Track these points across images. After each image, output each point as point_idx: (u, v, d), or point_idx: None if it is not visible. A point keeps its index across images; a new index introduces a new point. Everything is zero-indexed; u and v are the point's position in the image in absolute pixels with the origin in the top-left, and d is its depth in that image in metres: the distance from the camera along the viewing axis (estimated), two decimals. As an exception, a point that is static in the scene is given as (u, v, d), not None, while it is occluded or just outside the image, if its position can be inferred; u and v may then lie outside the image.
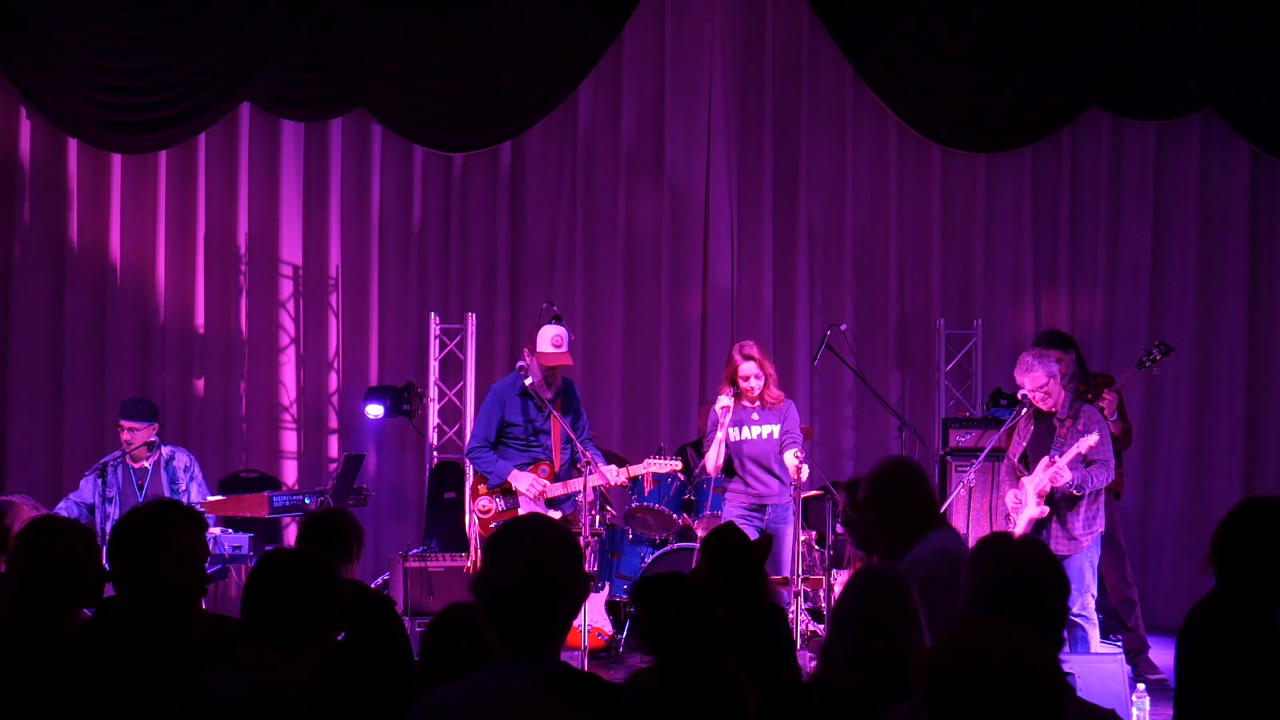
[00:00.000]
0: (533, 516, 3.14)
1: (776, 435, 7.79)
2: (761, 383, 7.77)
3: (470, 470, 9.64)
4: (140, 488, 8.42)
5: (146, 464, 8.41)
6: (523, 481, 7.91)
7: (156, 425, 8.46)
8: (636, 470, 8.07)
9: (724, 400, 7.76)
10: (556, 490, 7.98)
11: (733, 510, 7.81)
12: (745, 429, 7.78)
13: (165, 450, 8.45)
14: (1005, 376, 10.32)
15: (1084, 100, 10.64)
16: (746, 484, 7.82)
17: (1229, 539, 3.62)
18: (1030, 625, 2.95)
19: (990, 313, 10.72)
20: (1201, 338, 10.75)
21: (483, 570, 2.94)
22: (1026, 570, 3.21)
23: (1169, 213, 10.78)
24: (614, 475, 7.85)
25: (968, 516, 8.60)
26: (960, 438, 9.14)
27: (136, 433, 8.35)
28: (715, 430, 7.82)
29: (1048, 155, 10.83)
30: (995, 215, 10.84)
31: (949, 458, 9.33)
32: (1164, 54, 10.42)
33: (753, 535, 7.57)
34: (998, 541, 3.44)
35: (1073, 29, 10.40)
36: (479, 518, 8.03)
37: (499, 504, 8.03)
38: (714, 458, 7.84)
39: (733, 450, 7.81)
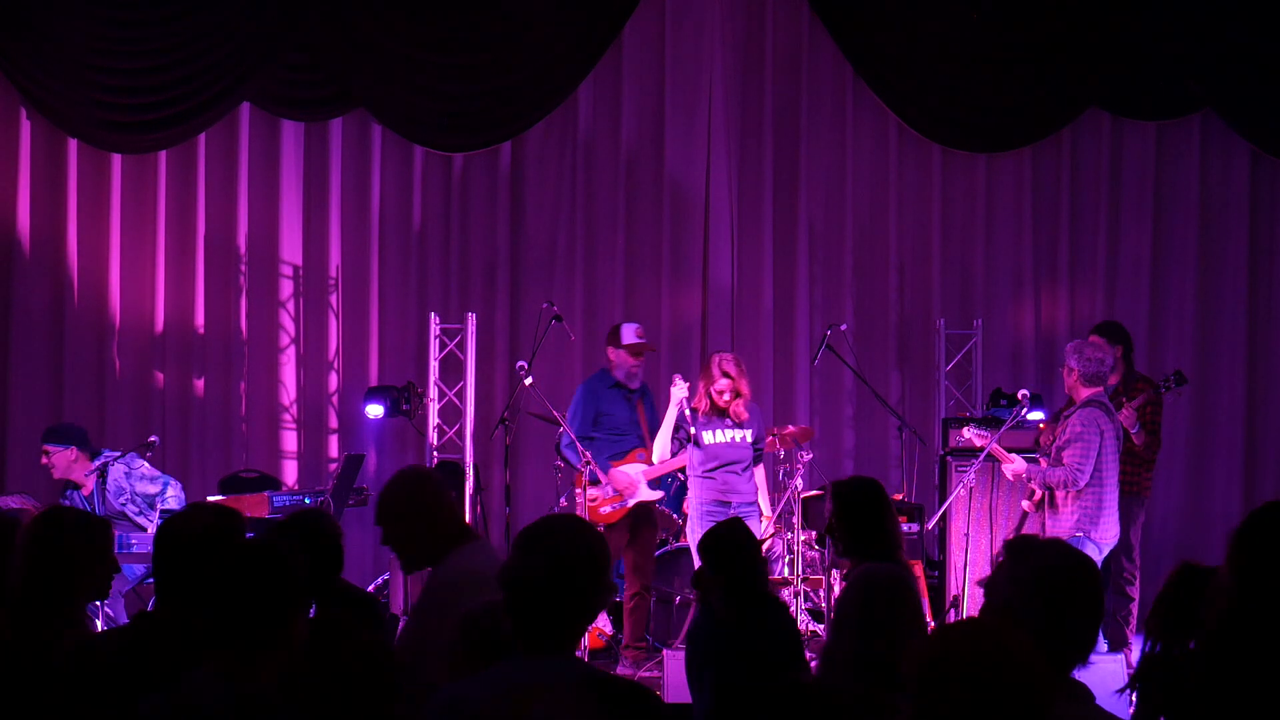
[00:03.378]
0: (568, 517, 3.16)
1: (749, 439, 7.91)
2: (731, 398, 7.84)
3: (471, 472, 9.73)
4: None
5: (91, 489, 8.22)
6: (623, 478, 8.48)
7: (74, 450, 8.12)
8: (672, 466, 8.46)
9: (679, 392, 7.85)
10: (657, 471, 8.44)
11: (697, 504, 7.85)
12: (718, 432, 7.85)
13: (97, 464, 8.20)
14: (1005, 376, 10.34)
15: (1084, 100, 10.63)
16: (713, 481, 7.87)
17: (1250, 546, 3.58)
18: (1085, 621, 2.96)
19: (990, 313, 10.71)
20: (1201, 337, 10.75)
21: (510, 563, 2.95)
22: (1078, 567, 3.16)
23: (1169, 213, 10.78)
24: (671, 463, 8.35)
25: (968, 516, 8.61)
26: (960, 438, 9.13)
27: (53, 456, 8.09)
28: (672, 415, 7.92)
29: (1048, 155, 10.82)
30: (995, 215, 10.83)
31: (949, 458, 9.33)
32: (1164, 54, 10.41)
33: None
34: (1033, 540, 3.40)
35: (1073, 29, 10.39)
36: (589, 505, 8.47)
37: (606, 491, 8.47)
38: (662, 446, 7.98)
39: (701, 452, 7.87)
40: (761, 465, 8.06)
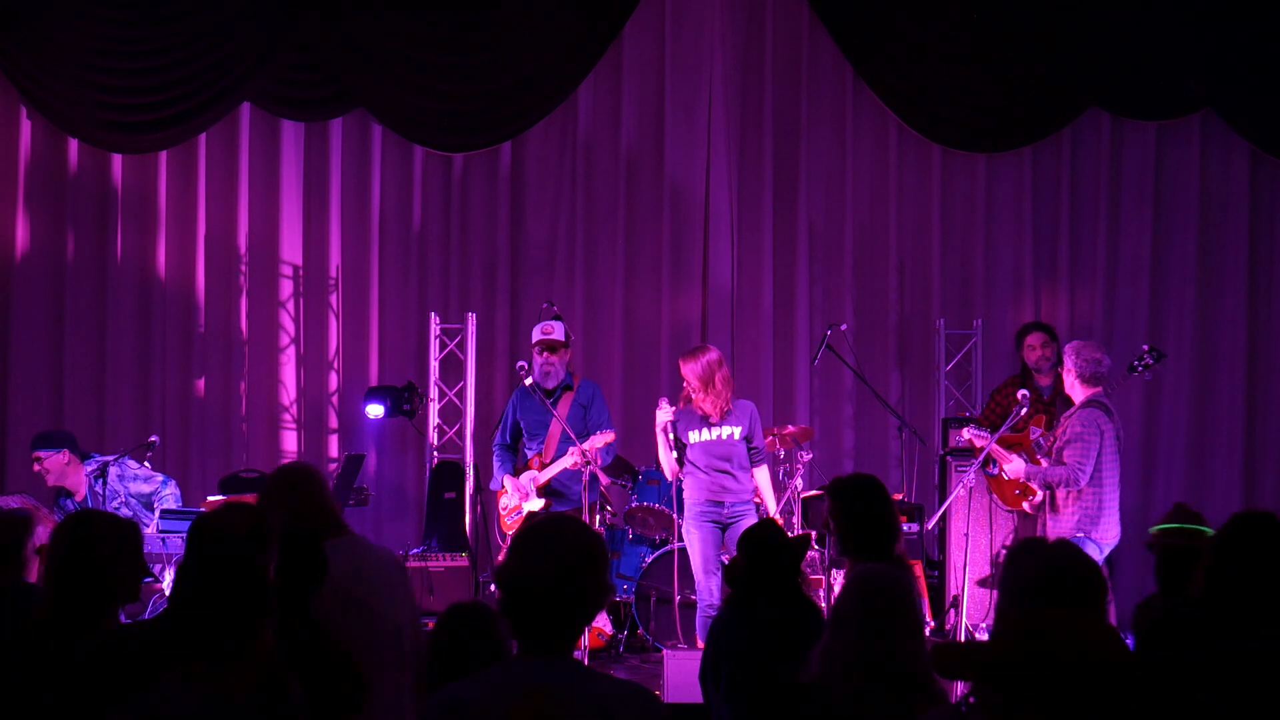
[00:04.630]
0: (566, 517, 3.15)
1: (737, 436, 7.75)
2: (699, 395, 7.70)
3: (471, 472, 9.76)
4: None
5: (84, 495, 8.17)
6: (509, 484, 8.47)
7: (65, 452, 8.09)
8: (586, 445, 8.16)
9: (663, 416, 7.76)
10: (543, 476, 8.35)
11: (690, 505, 7.75)
12: (704, 431, 7.73)
13: (90, 466, 8.18)
14: (1005, 376, 10.34)
15: (1084, 100, 10.63)
16: (704, 481, 7.72)
17: (1229, 557, 3.59)
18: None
19: (990, 313, 10.71)
20: (1201, 337, 10.75)
21: (509, 563, 2.95)
22: (1065, 568, 3.16)
23: (1169, 212, 10.78)
24: (574, 456, 8.10)
25: (968, 516, 8.61)
26: (960, 438, 9.14)
27: (46, 460, 8.05)
28: (661, 440, 7.81)
29: (1048, 155, 10.82)
30: (995, 215, 10.83)
31: (949, 458, 9.34)
32: (1164, 54, 10.42)
33: (712, 531, 7.58)
34: (1034, 543, 3.41)
35: (1073, 29, 10.39)
36: (500, 515, 8.53)
37: (513, 500, 8.44)
38: (668, 465, 7.85)
39: (690, 452, 7.76)
40: (765, 466, 7.93)
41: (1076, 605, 2.96)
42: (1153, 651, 3.57)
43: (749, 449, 7.78)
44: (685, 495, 7.82)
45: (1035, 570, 3.04)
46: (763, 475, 7.89)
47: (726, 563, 7.41)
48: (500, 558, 8.44)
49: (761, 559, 4.89)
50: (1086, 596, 3.01)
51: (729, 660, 4.82)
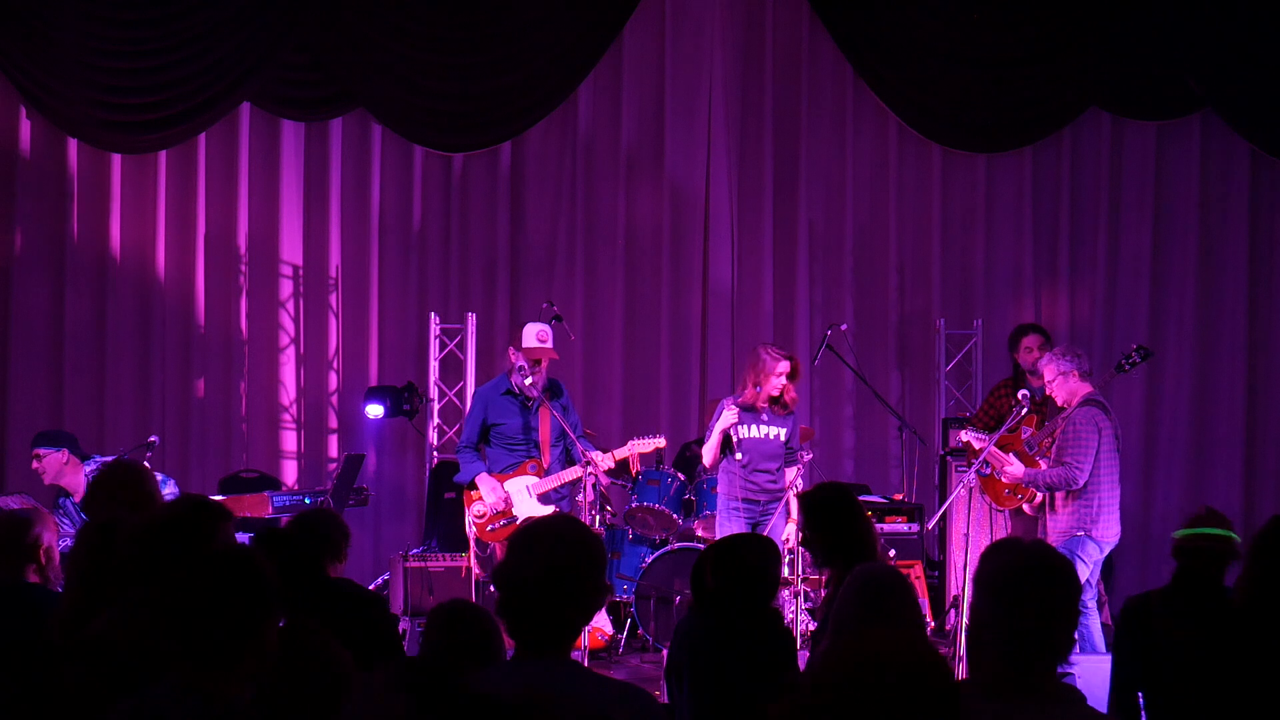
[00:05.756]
0: (564, 517, 3.15)
1: (783, 438, 7.93)
2: (788, 381, 7.89)
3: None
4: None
5: (83, 495, 8.12)
6: (485, 486, 8.22)
7: (65, 451, 7.91)
8: (622, 453, 8.23)
9: (730, 417, 7.81)
10: (547, 485, 8.25)
11: (727, 498, 7.87)
12: (753, 427, 7.87)
13: (90, 467, 8.00)
14: (1005, 376, 10.34)
15: (1084, 100, 10.64)
16: (743, 477, 7.85)
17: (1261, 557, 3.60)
18: (1038, 620, 2.95)
19: (990, 313, 10.72)
20: (1201, 337, 10.76)
21: (506, 563, 2.95)
22: (1034, 566, 3.16)
23: (1169, 213, 10.78)
24: (602, 460, 8.07)
25: (968, 517, 8.60)
26: (959, 439, 9.13)
27: (45, 459, 7.89)
28: (715, 428, 7.92)
29: (1048, 155, 10.82)
30: (995, 215, 10.84)
31: (949, 458, 9.33)
32: (1164, 54, 10.42)
33: (742, 526, 7.64)
34: (1007, 541, 3.42)
35: (1073, 29, 10.40)
36: (475, 522, 8.29)
37: (493, 508, 8.24)
38: (712, 454, 7.94)
39: (739, 448, 7.86)
40: (795, 467, 8.02)
41: (1038, 604, 2.97)
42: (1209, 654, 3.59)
43: (786, 449, 7.96)
44: (721, 488, 7.96)
45: (999, 568, 3.04)
46: (792, 475, 8.02)
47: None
48: (474, 556, 8.39)
49: (732, 583, 4.62)
50: (1050, 595, 3.01)
51: (686, 663, 4.72)
